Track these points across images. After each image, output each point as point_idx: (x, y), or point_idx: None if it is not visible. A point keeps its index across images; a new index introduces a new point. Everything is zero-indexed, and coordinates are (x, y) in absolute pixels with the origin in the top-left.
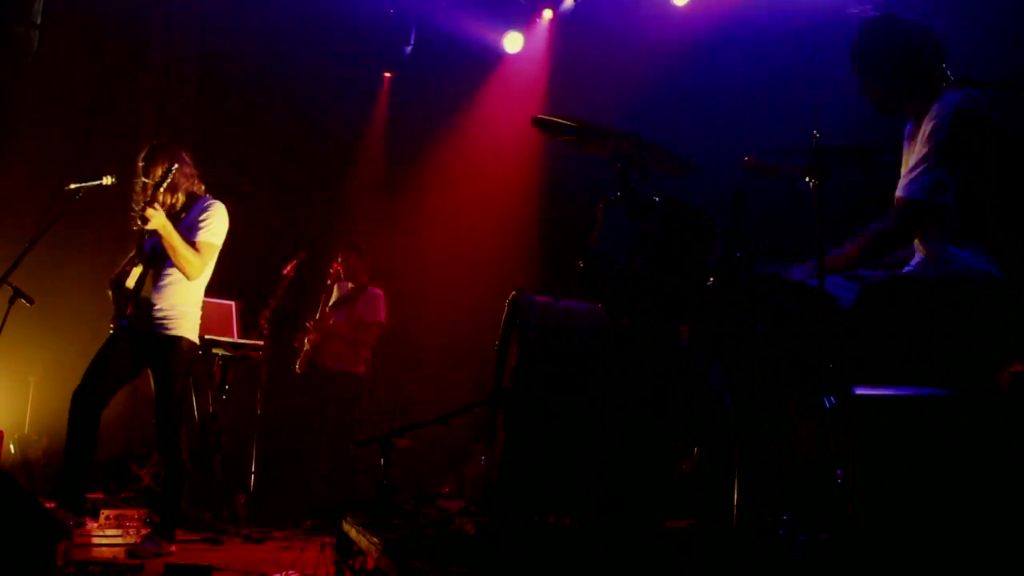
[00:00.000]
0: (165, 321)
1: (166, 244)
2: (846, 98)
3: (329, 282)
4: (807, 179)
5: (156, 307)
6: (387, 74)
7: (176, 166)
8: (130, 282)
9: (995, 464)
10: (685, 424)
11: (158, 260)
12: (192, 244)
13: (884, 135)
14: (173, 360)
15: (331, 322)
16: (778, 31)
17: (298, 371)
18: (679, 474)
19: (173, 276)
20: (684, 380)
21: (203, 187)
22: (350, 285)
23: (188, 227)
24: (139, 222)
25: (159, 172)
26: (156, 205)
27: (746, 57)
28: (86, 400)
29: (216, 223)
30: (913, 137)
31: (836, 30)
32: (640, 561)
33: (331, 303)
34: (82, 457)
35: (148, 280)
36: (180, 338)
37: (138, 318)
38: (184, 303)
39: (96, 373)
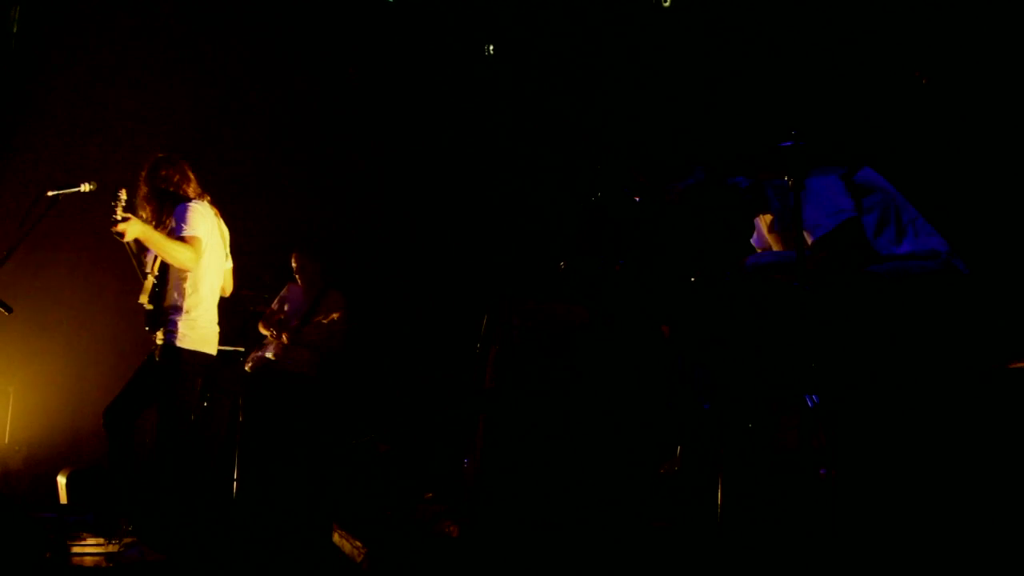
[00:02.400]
0: (166, 329)
1: (153, 247)
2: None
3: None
4: (785, 178)
5: (164, 315)
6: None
7: (174, 176)
8: (143, 298)
9: (977, 460)
10: (667, 423)
11: (163, 267)
12: (180, 240)
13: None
14: (171, 370)
15: (292, 326)
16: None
17: (248, 370)
18: (662, 474)
19: (176, 280)
20: (666, 379)
21: (199, 192)
22: (303, 286)
23: (172, 227)
24: (116, 238)
25: (160, 184)
26: (118, 215)
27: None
28: (111, 415)
29: (193, 217)
30: None
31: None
32: (624, 561)
33: (286, 306)
34: (118, 468)
35: (168, 289)
36: (180, 349)
37: (152, 327)
38: (185, 311)
39: (125, 388)
